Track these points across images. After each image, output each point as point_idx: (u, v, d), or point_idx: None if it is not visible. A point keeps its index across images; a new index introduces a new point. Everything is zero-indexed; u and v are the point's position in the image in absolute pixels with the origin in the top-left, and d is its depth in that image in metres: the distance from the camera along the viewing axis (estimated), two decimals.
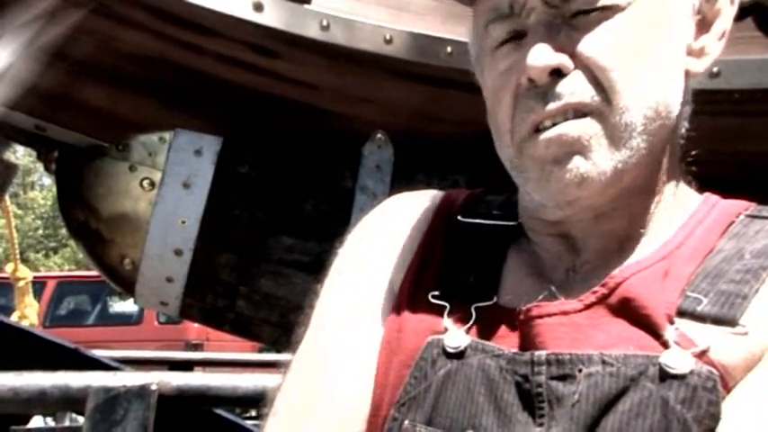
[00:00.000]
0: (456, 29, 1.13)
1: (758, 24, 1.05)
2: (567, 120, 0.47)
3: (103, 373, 0.95)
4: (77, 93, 1.26)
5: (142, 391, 0.88)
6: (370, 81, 1.23)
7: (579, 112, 0.46)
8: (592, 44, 0.46)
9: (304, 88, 1.26)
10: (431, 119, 1.28)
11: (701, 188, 0.53)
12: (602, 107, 0.46)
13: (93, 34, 1.18)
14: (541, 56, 0.46)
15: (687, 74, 0.50)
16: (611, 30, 0.46)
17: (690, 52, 0.50)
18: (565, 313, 0.47)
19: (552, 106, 0.46)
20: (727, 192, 0.53)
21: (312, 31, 1.14)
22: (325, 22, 1.14)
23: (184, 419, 1.03)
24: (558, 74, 0.46)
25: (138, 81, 1.26)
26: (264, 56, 1.21)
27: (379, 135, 1.30)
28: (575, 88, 0.46)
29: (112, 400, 0.85)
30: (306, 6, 1.15)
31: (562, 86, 0.46)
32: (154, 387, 0.90)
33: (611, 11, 0.46)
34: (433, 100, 1.24)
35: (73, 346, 1.40)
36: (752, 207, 0.51)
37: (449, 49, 1.14)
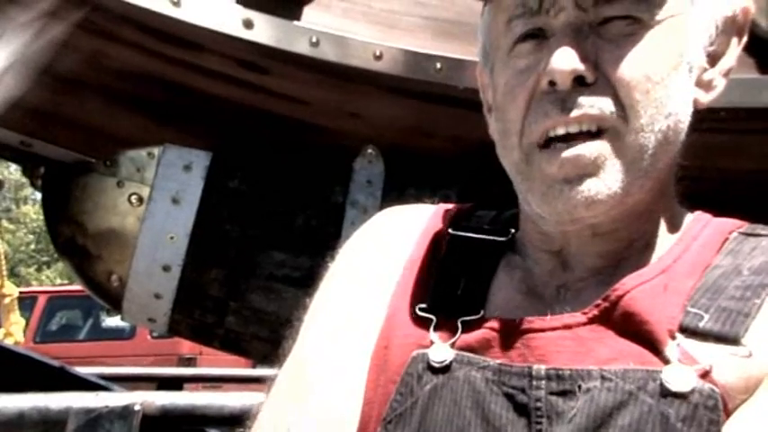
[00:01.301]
0: (446, 46, 1.13)
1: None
2: (580, 131, 0.45)
3: (85, 393, 0.93)
4: (64, 108, 1.25)
5: (125, 412, 0.86)
6: (360, 97, 1.23)
7: (594, 125, 0.45)
8: (618, 58, 0.45)
9: (294, 104, 1.26)
10: (421, 134, 1.28)
11: (688, 204, 0.53)
12: (620, 125, 0.45)
13: (82, 50, 1.18)
14: (568, 60, 0.44)
15: (695, 103, 0.49)
16: (637, 46, 0.45)
17: (699, 83, 0.49)
18: (568, 327, 0.46)
19: (570, 114, 0.45)
20: (711, 208, 0.53)
21: (302, 47, 1.15)
22: (314, 39, 1.15)
23: None
24: (579, 82, 0.45)
25: (126, 97, 1.26)
26: (254, 72, 1.21)
27: (369, 150, 1.30)
28: (595, 100, 0.45)
29: (93, 422, 0.83)
30: (295, 23, 1.16)
31: (583, 96, 0.45)
32: (137, 407, 0.88)
33: (638, 25, 0.46)
34: (423, 115, 1.24)
35: (58, 364, 1.37)
36: (745, 225, 0.51)
37: (438, 65, 1.14)
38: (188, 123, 1.30)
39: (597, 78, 0.45)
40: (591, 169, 0.45)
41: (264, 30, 1.14)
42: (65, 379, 1.33)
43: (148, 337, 6.13)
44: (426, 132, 1.27)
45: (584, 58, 0.45)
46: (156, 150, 1.30)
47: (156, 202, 1.30)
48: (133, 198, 1.30)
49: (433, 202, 0.58)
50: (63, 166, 1.32)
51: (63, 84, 1.21)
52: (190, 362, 5.78)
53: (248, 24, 1.13)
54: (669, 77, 0.46)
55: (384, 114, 1.26)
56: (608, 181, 0.46)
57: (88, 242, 1.33)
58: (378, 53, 1.15)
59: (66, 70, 1.19)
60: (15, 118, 1.23)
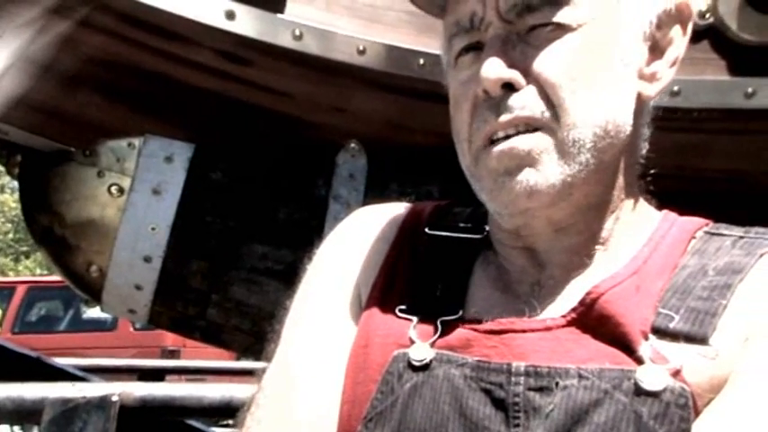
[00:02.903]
0: (429, 41, 1.14)
1: (713, 46, 1.09)
2: (518, 133, 0.48)
3: (61, 384, 0.93)
4: (42, 96, 1.23)
5: (102, 403, 0.86)
6: (343, 91, 1.23)
7: (530, 126, 0.48)
8: (543, 62, 0.48)
9: (277, 96, 1.25)
10: (404, 129, 1.28)
11: (662, 202, 0.55)
12: (552, 123, 0.48)
13: (63, 38, 1.16)
14: (494, 69, 0.48)
15: (640, 97, 0.51)
16: (563, 49, 0.48)
17: (641, 76, 0.51)
18: (548, 329, 0.48)
19: (503, 118, 0.48)
20: (686, 206, 0.55)
21: (285, 40, 1.14)
22: (298, 32, 1.14)
23: (150, 430, 1.00)
24: (510, 87, 0.48)
25: (107, 86, 1.24)
26: (237, 64, 1.20)
27: (352, 144, 1.31)
28: (525, 103, 0.48)
29: (70, 412, 0.83)
30: (279, 15, 1.15)
31: (513, 100, 0.48)
32: (115, 398, 0.88)
33: (563, 30, 0.48)
34: (406, 110, 1.25)
35: (35, 355, 1.36)
36: (710, 224, 0.53)
37: (421, 60, 1.15)
38: (170, 114, 1.29)
39: (528, 83, 0.48)
40: (528, 161, 0.48)
41: (247, 21, 1.14)
42: (42, 370, 1.32)
43: (131, 328, 6.07)
44: (409, 127, 1.28)
45: (512, 65, 0.48)
46: (136, 141, 1.29)
47: (137, 192, 1.29)
48: (113, 189, 1.29)
49: (414, 198, 0.59)
50: (41, 155, 1.31)
51: (43, 72, 1.19)
52: (173, 354, 5.74)
53: (230, 15, 1.13)
54: (598, 75, 0.49)
55: (367, 109, 1.26)
56: (546, 173, 0.48)
57: (67, 232, 1.32)
58: (361, 48, 1.15)
59: (46, 58, 1.17)
60: None
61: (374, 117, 1.27)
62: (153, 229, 1.30)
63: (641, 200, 0.53)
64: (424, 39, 1.15)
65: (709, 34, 1.08)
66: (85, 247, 1.32)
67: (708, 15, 1.08)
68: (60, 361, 1.59)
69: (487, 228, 0.54)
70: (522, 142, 0.48)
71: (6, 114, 1.22)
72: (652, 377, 0.44)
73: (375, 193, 1.30)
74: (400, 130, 1.29)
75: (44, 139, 1.28)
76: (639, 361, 0.45)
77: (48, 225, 1.33)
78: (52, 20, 1.10)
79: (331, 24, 1.16)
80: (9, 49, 1.03)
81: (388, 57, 1.16)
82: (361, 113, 1.27)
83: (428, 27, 1.17)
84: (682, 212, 0.54)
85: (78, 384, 0.91)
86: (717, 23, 1.08)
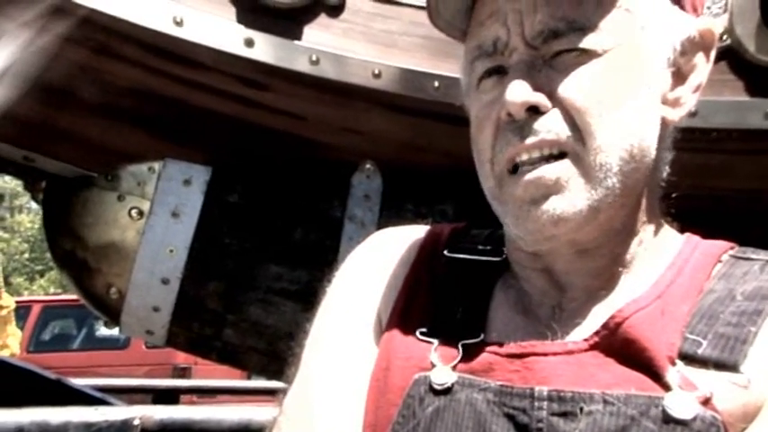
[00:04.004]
0: (443, 65, 1.16)
1: (730, 67, 1.09)
2: (542, 156, 0.48)
3: (84, 408, 0.93)
4: (66, 124, 1.26)
5: (124, 426, 0.87)
6: (359, 113, 1.25)
7: (554, 149, 0.49)
8: (569, 86, 0.48)
9: (294, 120, 1.28)
10: (419, 150, 1.30)
11: (680, 223, 0.54)
12: (577, 147, 0.48)
13: (86, 68, 1.19)
14: (520, 93, 0.48)
15: (664, 122, 0.51)
16: (588, 74, 0.48)
17: (665, 101, 0.52)
18: (570, 352, 0.47)
19: (529, 141, 0.48)
20: (703, 227, 0.54)
21: (302, 65, 1.17)
22: (314, 57, 1.17)
23: None
24: (535, 111, 0.48)
25: (128, 113, 1.27)
26: (255, 89, 1.23)
27: (367, 165, 1.32)
28: (551, 126, 0.48)
29: None
30: (296, 42, 1.18)
31: (539, 123, 0.48)
32: (136, 422, 0.88)
33: (588, 55, 0.49)
34: (420, 132, 1.26)
35: (55, 377, 1.37)
36: (735, 248, 0.53)
37: (436, 83, 1.17)
38: (188, 139, 1.32)
39: (553, 106, 0.49)
40: (554, 189, 0.48)
41: (265, 48, 1.16)
42: (62, 391, 1.33)
43: (143, 346, 6.08)
44: (423, 148, 1.29)
45: (537, 89, 0.48)
46: (156, 165, 1.31)
47: (156, 215, 1.31)
48: (133, 212, 1.31)
49: (429, 219, 0.60)
50: (64, 180, 1.34)
51: (67, 100, 1.22)
52: (184, 372, 5.73)
53: (249, 43, 1.16)
54: (624, 100, 0.49)
55: (382, 130, 1.27)
56: (573, 199, 0.48)
57: (88, 255, 1.34)
58: (377, 71, 1.18)
59: (69, 87, 1.21)
60: (19, 134, 1.24)
61: (389, 138, 1.29)
62: (171, 251, 1.32)
63: (663, 222, 0.53)
64: (438, 62, 1.17)
65: (727, 55, 1.08)
66: (106, 270, 1.34)
67: (725, 37, 1.09)
68: (78, 382, 1.60)
69: (506, 250, 0.54)
70: (549, 171, 0.48)
71: (34, 143, 1.25)
72: (681, 405, 0.44)
73: (390, 213, 1.31)
74: (415, 151, 1.30)
75: (68, 165, 1.31)
76: (667, 387, 0.45)
77: (70, 248, 1.35)
78: (69, 47, 1.13)
79: (347, 49, 1.19)
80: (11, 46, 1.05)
81: (402, 80, 1.18)
82: (376, 135, 1.28)
83: (442, 51, 1.19)
84: (699, 233, 0.54)
85: (101, 408, 0.92)
86: (734, 45, 1.08)
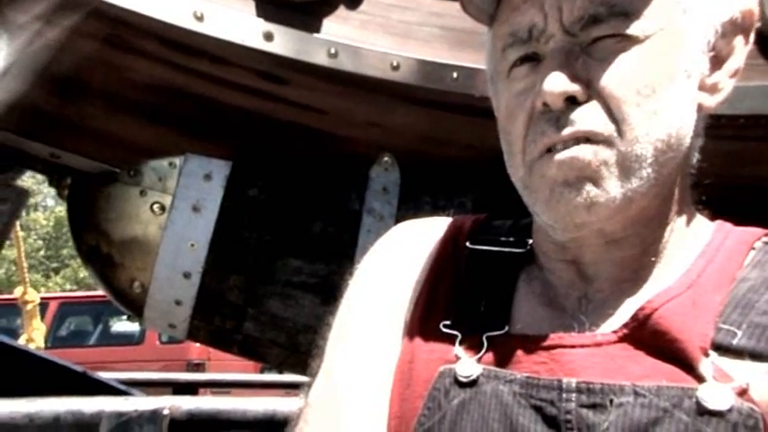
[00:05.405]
0: (461, 55, 1.15)
1: (760, 51, 1.07)
2: (578, 145, 0.47)
3: (115, 398, 0.96)
4: (91, 121, 1.28)
5: (154, 416, 0.88)
6: (377, 106, 1.25)
7: (591, 140, 0.47)
8: (607, 75, 0.47)
9: (312, 113, 1.28)
10: (437, 142, 1.29)
11: (708, 211, 0.54)
12: (614, 137, 0.47)
13: (108, 64, 1.21)
14: (558, 82, 0.46)
15: (700, 108, 0.50)
16: (627, 62, 0.47)
17: (702, 87, 0.50)
18: (598, 344, 0.46)
19: (565, 132, 0.47)
20: (730, 215, 0.54)
21: (321, 58, 1.17)
22: (333, 50, 1.17)
23: None
24: (572, 101, 0.47)
25: (150, 108, 1.29)
26: (274, 83, 1.23)
27: (386, 158, 1.32)
28: (588, 116, 0.47)
29: (125, 425, 0.86)
30: (315, 35, 1.18)
31: (575, 114, 0.47)
32: (166, 412, 0.90)
33: (628, 42, 0.47)
34: (439, 124, 1.26)
35: (81, 369, 1.39)
36: None
37: (454, 74, 1.16)
38: (209, 133, 1.33)
39: (590, 96, 0.47)
40: (588, 172, 0.47)
41: (284, 42, 1.17)
42: (88, 383, 1.36)
43: (157, 342, 6.16)
44: (442, 140, 1.29)
45: (574, 78, 0.47)
46: (177, 160, 1.33)
47: (178, 210, 1.33)
48: (155, 207, 1.33)
49: (448, 212, 0.59)
50: (88, 176, 1.35)
51: (91, 97, 1.24)
52: (198, 367, 5.80)
53: (269, 37, 1.16)
54: (663, 88, 0.47)
55: (400, 123, 1.27)
56: (607, 187, 0.47)
57: (112, 250, 1.36)
58: (395, 63, 1.17)
59: (93, 84, 1.22)
60: (46, 131, 1.26)
61: (407, 131, 1.29)
62: (192, 245, 1.33)
63: (694, 211, 0.52)
64: (456, 53, 1.17)
65: (756, 39, 1.05)
66: (129, 264, 1.36)
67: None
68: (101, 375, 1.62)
69: (530, 240, 0.53)
70: (582, 152, 0.46)
71: (60, 140, 1.27)
72: (716, 396, 0.42)
73: (408, 206, 1.31)
74: (433, 143, 1.30)
75: (92, 161, 1.32)
76: (700, 379, 0.44)
77: (94, 244, 1.37)
78: (90, 43, 1.14)
79: (365, 42, 1.19)
80: (11, 45, 1.06)
81: (421, 71, 1.18)
82: (394, 127, 1.28)
83: (461, 42, 1.18)
84: (730, 221, 0.53)
85: (131, 399, 0.94)
86: (764, 28, 1.06)
